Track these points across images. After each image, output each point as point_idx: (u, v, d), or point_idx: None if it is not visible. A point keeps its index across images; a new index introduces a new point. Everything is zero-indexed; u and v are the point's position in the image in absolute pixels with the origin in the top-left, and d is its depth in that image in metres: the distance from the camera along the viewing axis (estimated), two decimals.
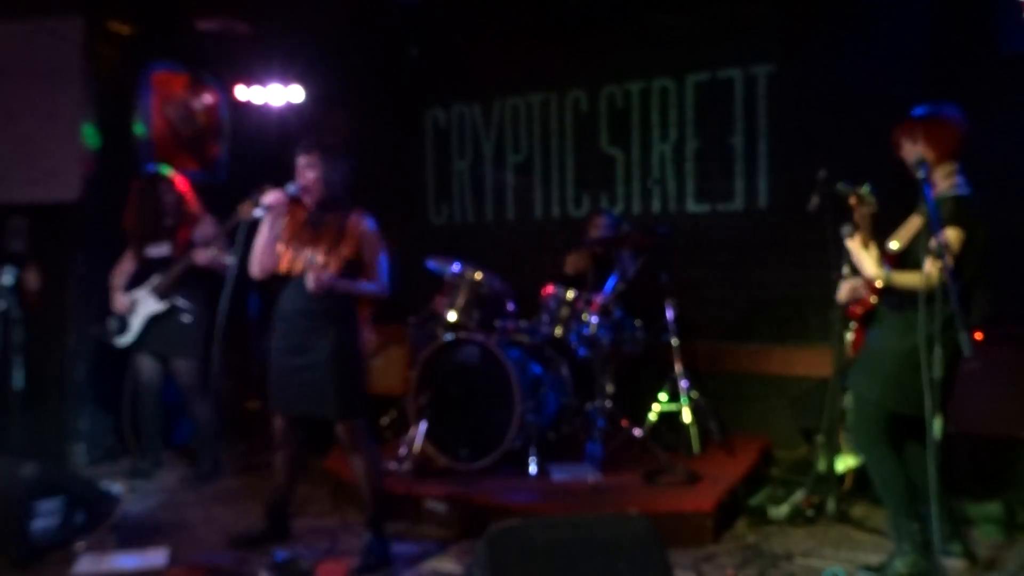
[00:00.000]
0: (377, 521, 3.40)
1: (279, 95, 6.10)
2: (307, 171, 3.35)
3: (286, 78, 6.08)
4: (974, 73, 4.44)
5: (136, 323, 4.58)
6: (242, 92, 6.11)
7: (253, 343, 5.79)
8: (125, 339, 4.61)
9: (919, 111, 3.14)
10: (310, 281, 3.24)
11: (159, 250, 4.63)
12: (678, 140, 5.41)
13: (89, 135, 5.32)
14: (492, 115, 6.03)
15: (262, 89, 6.09)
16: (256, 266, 3.45)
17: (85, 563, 3.31)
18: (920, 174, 2.89)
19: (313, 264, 3.30)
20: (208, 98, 6.16)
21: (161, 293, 4.52)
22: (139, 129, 5.65)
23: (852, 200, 3.11)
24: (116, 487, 3.82)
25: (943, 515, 3.12)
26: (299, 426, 3.52)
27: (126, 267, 4.72)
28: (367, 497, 3.41)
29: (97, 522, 3.55)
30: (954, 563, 3.17)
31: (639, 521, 2.22)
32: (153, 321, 4.55)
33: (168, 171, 4.79)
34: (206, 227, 4.61)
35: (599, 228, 4.86)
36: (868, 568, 3.16)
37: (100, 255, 5.21)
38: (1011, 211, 4.20)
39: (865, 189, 3.09)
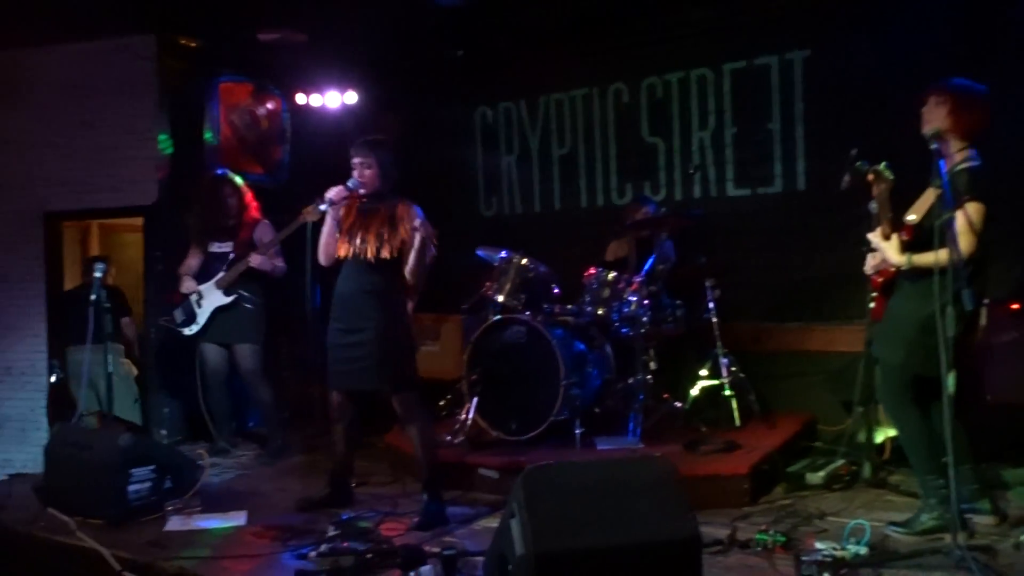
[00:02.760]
0: (433, 485, 3.69)
1: (335, 100, 6.49)
2: (364, 169, 3.68)
3: (342, 84, 6.45)
4: (1007, 54, 4.50)
5: (203, 315, 4.95)
6: (301, 98, 6.52)
7: (314, 333, 6.16)
8: (192, 330, 4.98)
9: (957, 81, 3.26)
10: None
11: (222, 247, 5.00)
12: (717, 127, 5.58)
13: (163, 143, 5.77)
14: (537, 111, 6.28)
15: (319, 95, 6.48)
16: (322, 255, 3.80)
17: (174, 522, 3.69)
18: (933, 146, 3.04)
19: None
20: (270, 105, 6.56)
21: (225, 288, 4.89)
22: (208, 136, 6.07)
23: (870, 177, 3.26)
24: (200, 457, 4.19)
25: (970, 475, 3.27)
26: (353, 401, 3.84)
27: (192, 262, 5.08)
28: (423, 464, 3.71)
29: (183, 488, 3.93)
30: (983, 519, 3.28)
31: (661, 463, 2.44)
32: (217, 311, 4.91)
33: (234, 176, 5.14)
34: (265, 231, 4.97)
35: (637, 214, 5.07)
36: (895, 523, 3.30)
37: (174, 254, 5.64)
38: None
39: (882, 165, 3.24)
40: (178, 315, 5.02)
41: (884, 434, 4.29)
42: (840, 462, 4.13)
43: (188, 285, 4.99)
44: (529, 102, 6.30)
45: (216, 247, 5.01)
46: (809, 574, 2.83)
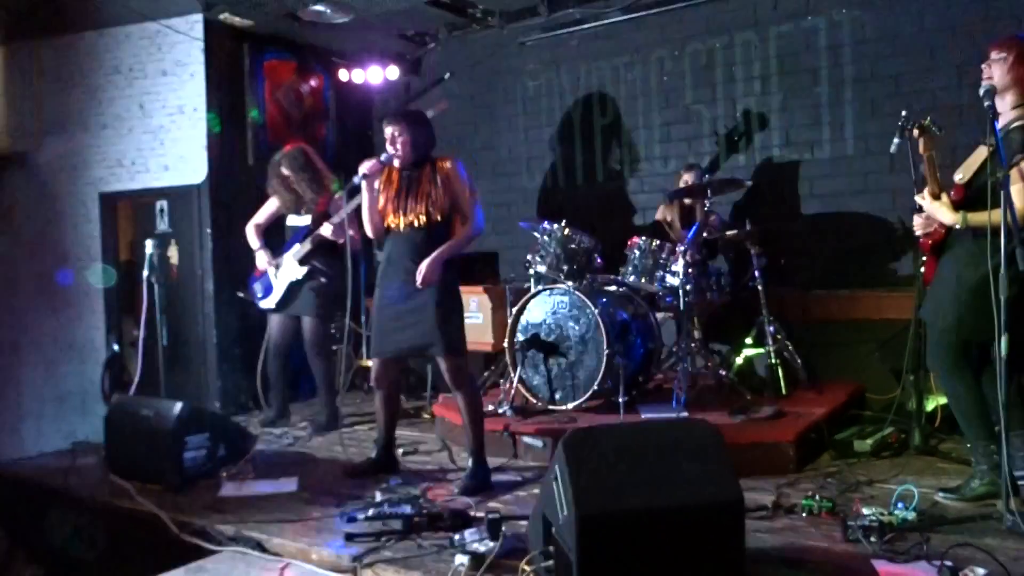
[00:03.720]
0: (479, 450, 3.74)
1: (378, 75, 6.53)
2: (397, 139, 3.70)
3: (384, 58, 6.49)
4: None
5: (280, 287, 5.01)
6: (344, 75, 6.58)
7: (364, 308, 6.27)
8: (269, 302, 5.06)
9: (1021, 35, 3.16)
10: (421, 279, 3.60)
11: (300, 221, 5.06)
12: (762, 92, 5.48)
13: (211, 122, 5.89)
14: (579, 80, 6.24)
15: (362, 70, 6.53)
16: (370, 228, 3.84)
17: (229, 488, 3.81)
18: (987, 103, 2.95)
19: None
20: (314, 82, 6.63)
21: (302, 260, 4.96)
22: (254, 114, 6.18)
23: (916, 132, 3.18)
24: (252, 427, 4.32)
25: (1021, 442, 3.20)
26: (396, 369, 3.90)
27: (263, 216, 5.10)
28: (469, 429, 3.76)
29: (237, 456, 4.06)
30: None
31: (703, 427, 2.45)
32: (292, 284, 4.97)
33: (303, 147, 5.16)
34: (337, 201, 5.04)
35: (685, 181, 5.03)
36: (945, 490, 3.26)
37: (227, 229, 5.80)
38: None
39: (928, 120, 3.16)
40: (258, 288, 5.10)
41: (935, 401, 4.22)
42: (889, 430, 4.07)
43: (263, 259, 5.04)
44: (571, 72, 6.26)
45: (295, 220, 5.09)
46: (855, 538, 2.82)
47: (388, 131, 3.73)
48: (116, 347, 6.06)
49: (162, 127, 5.98)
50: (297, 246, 4.97)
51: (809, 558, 2.74)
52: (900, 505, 2.98)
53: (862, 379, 4.96)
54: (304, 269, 4.93)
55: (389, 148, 3.73)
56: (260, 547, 3.15)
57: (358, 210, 4.86)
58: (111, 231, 6.19)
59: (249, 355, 5.59)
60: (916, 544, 2.74)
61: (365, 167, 3.73)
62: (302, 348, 5.10)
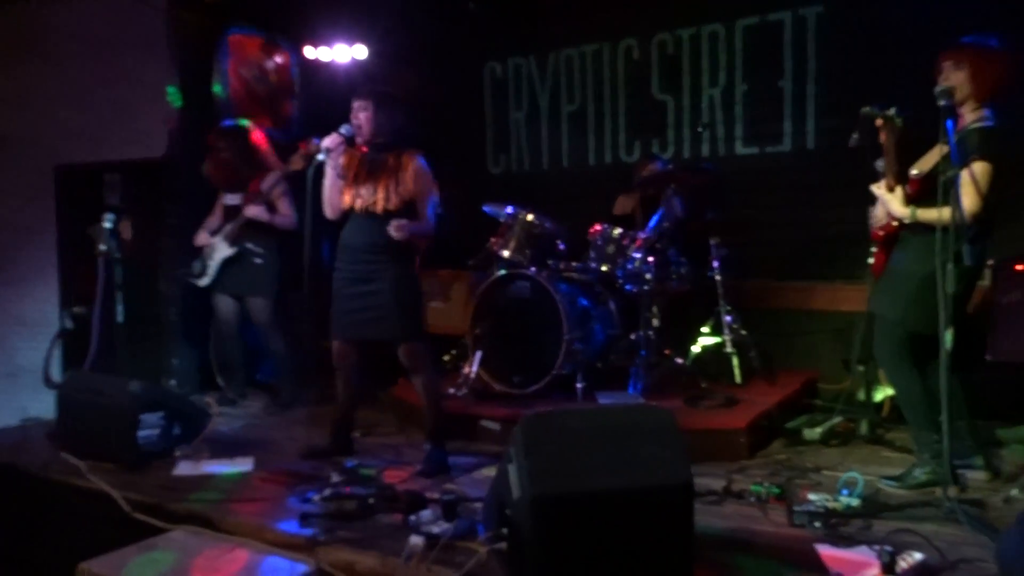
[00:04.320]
0: (437, 434, 3.76)
1: (345, 54, 6.46)
2: (359, 112, 3.66)
3: (351, 37, 6.42)
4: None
5: (213, 266, 5.01)
6: (310, 52, 6.50)
7: (323, 286, 6.23)
8: (204, 280, 5.06)
9: (971, 38, 3.21)
10: (393, 230, 3.56)
11: (233, 199, 5.03)
12: (727, 84, 5.54)
13: (172, 96, 5.78)
14: (547, 67, 6.24)
15: (328, 48, 6.46)
16: (328, 207, 3.80)
17: (183, 467, 3.78)
18: (941, 103, 3.02)
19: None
20: (279, 59, 6.54)
21: (230, 239, 4.93)
22: (218, 90, 6.07)
23: (879, 122, 3.25)
24: (208, 405, 4.29)
25: (965, 431, 3.31)
26: (357, 351, 3.87)
27: (213, 218, 5.14)
28: (428, 413, 3.78)
29: (192, 434, 4.02)
30: (976, 475, 3.33)
31: (659, 412, 2.49)
32: (227, 264, 4.96)
33: (244, 123, 5.16)
34: (270, 180, 4.98)
35: (646, 170, 5.07)
36: (888, 477, 3.35)
37: (186, 205, 5.71)
38: None
39: (892, 111, 3.22)
40: (195, 266, 5.10)
41: (883, 392, 4.33)
42: (838, 419, 4.17)
43: (201, 238, 5.08)
44: (539, 58, 6.26)
45: (229, 199, 5.05)
46: (801, 523, 2.90)
47: (354, 104, 3.69)
48: (69, 323, 5.96)
49: (123, 100, 5.85)
50: (228, 225, 4.92)
51: (755, 541, 2.82)
52: (845, 491, 3.07)
53: (815, 368, 5.07)
54: (234, 249, 4.89)
55: (352, 121, 3.68)
56: (213, 526, 3.14)
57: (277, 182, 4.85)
58: (67, 204, 6.07)
59: (207, 334, 5.53)
60: (859, 529, 2.83)
61: (327, 141, 3.68)
62: (253, 327, 5.09)
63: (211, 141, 5.09)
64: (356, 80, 6.53)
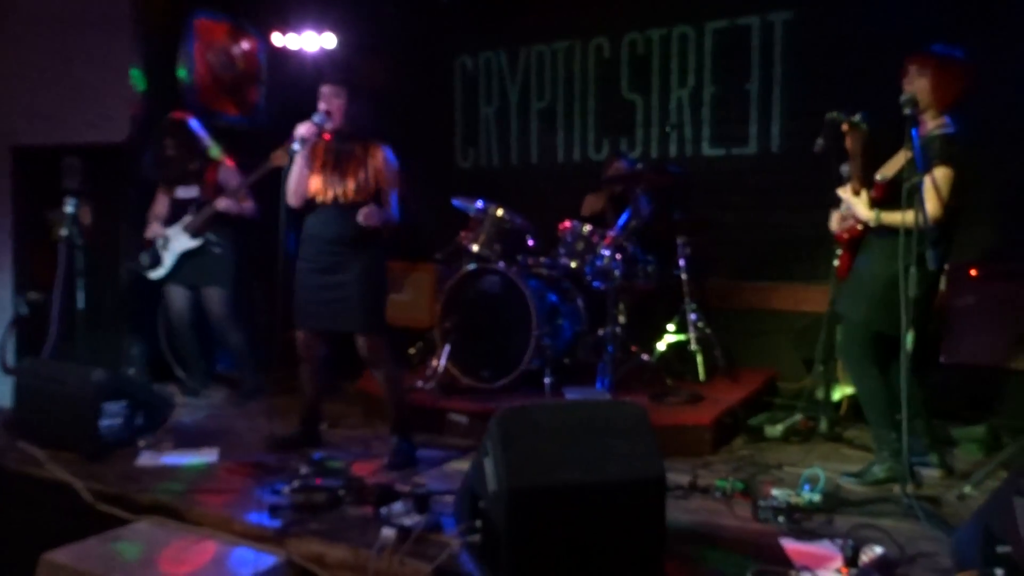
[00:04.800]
0: (402, 427, 3.76)
1: (313, 42, 6.39)
2: (332, 99, 3.62)
3: (320, 25, 6.35)
4: (988, 18, 4.57)
5: (169, 258, 4.91)
6: (278, 39, 6.41)
7: (290, 279, 6.17)
8: (158, 273, 4.95)
9: (937, 49, 3.30)
10: (362, 217, 3.54)
11: (188, 192, 4.95)
12: (696, 86, 5.61)
13: (136, 79, 5.66)
14: (518, 62, 6.25)
15: (297, 36, 6.38)
16: (292, 196, 3.73)
17: (146, 457, 3.72)
18: (907, 111, 3.11)
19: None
20: (246, 45, 6.44)
21: (193, 232, 4.85)
22: (183, 74, 5.96)
23: (844, 127, 3.33)
24: (172, 395, 4.22)
25: (922, 430, 3.42)
26: (323, 341, 3.86)
27: (159, 209, 5.04)
28: (391, 406, 3.77)
29: (155, 424, 3.96)
30: (931, 472, 3.45)
31: (632, 407, 2.53)
32: (185, 255, 4.87)
33: (182, 117, 5.04)
34: (229, 174, 4.92)
35: (615, 170, 5.12)
36: (849, 474, 3.45)
37: (149, 192, 5.59)
38: (1011, 156, 4.40)
39: (858, 117, 3.30)
40: (144, 259, 4.99)
41: (842, 391, 4.44)
42: (798, 417, 4.27)
43: (154, 229, 4.97)
44: (510, 53, 6.27)
45: (182, 192, 4.97)
46: (765, 518, 2.97)
47: (326, 90, 3.64)
48: (24, 309, 5.80)
49: (85, 81, 5.70)
50: (188, 217, 4.85)
51: (721, 535, 2.88)
52: (807, 487, 3.15)
53: (775, 366, 5.18)
54: (196, 241, 4.82)
55: (321, 107, 3.63)
56: (179, 517, 3.11)
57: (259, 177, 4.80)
58: (23, 187, 5.90)
59: (167, 323, 5.44)
60: (821, 524, 2.91)
61: (302, 130, 3.63)
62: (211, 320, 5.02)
63: (156, 134, 4.98)
64: (325, 68, 6.48)
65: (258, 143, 5.31)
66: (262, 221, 5.05)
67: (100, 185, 5.78)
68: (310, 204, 3.75)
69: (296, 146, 3.65)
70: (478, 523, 2.51)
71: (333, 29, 6.38)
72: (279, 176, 3.80)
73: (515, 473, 2.28)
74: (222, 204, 4.77)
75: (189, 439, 4.04)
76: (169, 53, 5.86)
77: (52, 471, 3.49)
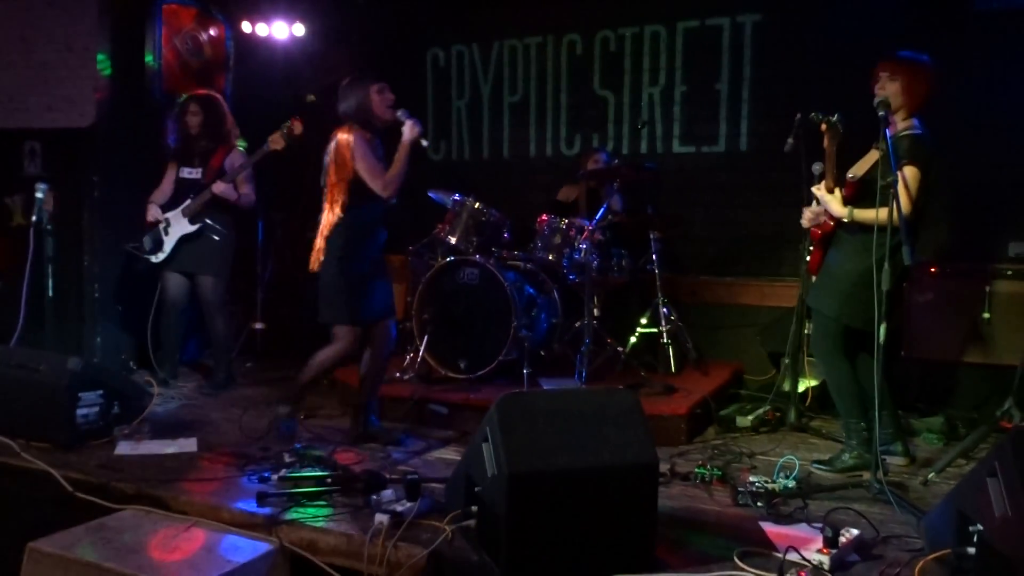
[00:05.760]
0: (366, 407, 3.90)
1: (283, 31, 6.33)
2: (390, 94, 3.78)
3: (290, 14, 6.30)
4: (949, 26, 4.76)
5: (169, 243, 4.83)
6: (247, 27, 6.34)
7: (260, 270, 6.13)
8: (159, 257, 4.87)
9: (907, 54, 3.44)
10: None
11: (192, 173, 4.88)
12: (667, 84, 5.72)
13: (102, 64, 5.55)
14: (490, 56, 6.29)
15: (266, 24, 6.32)
16: (395, 188, 3.80)
17: (124, 447, 3.68)
18: (881, 112, 3.25)
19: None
20: (213, 31, 6.35)
21: (191, 216, 4.79)
22: (149, 59, 5.86)
23: (823, 127, 3.45)
24: (149, 385, 4.17)
25: (888, 420, 3.57)
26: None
27: (164, 188, 4.96)
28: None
29: (132, 414, 3.90)
30: (895, 460, 3.60)
31: (625, 395, 2.61)
32: (183, 240, 4.81)
33: (202, 92, 5.00)
34: (236, 158, 4.86)
35: (594, 163, 5.21)
36: (819, 462, 3.59)
37: (114, 178, 5.50)
38: (969, 160, 4.60)
39: (835, 118, 3.43)
40: (147, 242, 4.89)
41: (807, 383, 4.60)
42: (767, 408, 4.41)
43: (154, 213, 4.86)
44: (482, 47, 6.30)
45: (186, 172, 4.89)
46: (744, 503, 3.08)
47: (384, 86, 3.81)
48: None
49: (47, 64, 5.57)
50: (189, 201, 4.80)
51: (704, 519, 2.98)
52: (782, 474, 3.27)
53: (742, 360, 5.33)
54: (195, 226, 4.77)
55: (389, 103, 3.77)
56: (164, 506, 3.08)
57: (254, 167, 4.79)
58: None
59: (133, 311, 5.35)
60: (797, 508, 3.03)
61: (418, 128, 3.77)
62: (192, 306, 4.96)
63: (184, 106, 4.90)
64: (296, 62, 6.44)
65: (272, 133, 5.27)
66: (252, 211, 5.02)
67: (62, 171, 5.66)
68: (375, 197, 3.75)
69: (425, 143, 3.81)
70: (474, 508, 2.56)
71: (302, 19, 6.34)
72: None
73: (514, 458, 2.33)
74: (219, 188, 4.69)
75: (165, 429, 4.00)
76: (135, 38, 5.75)
77: (28, 460, 3.42)
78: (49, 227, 4.40)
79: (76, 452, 3.59)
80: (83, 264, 5.56)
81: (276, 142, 4.51)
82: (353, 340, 3.81)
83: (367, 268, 3.79)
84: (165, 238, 4.82)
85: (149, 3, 5.81)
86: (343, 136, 3.70)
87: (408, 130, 3.75)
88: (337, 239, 3.73)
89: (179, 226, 4.79)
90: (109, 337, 5.54)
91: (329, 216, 3.74)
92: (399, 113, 3.80)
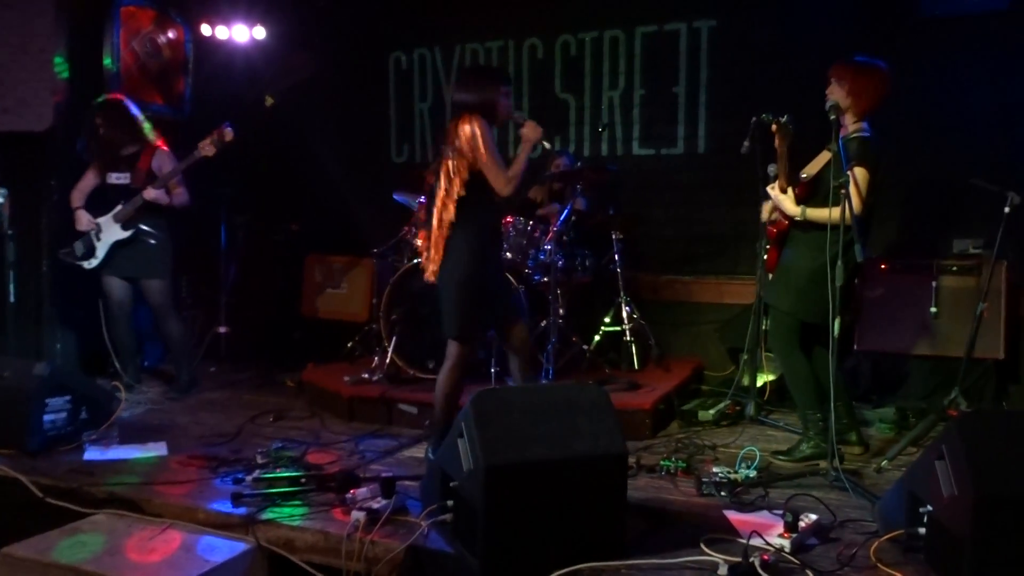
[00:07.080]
0: None
1: (243, 34, 6.31)
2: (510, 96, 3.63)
3: (250, 17, 6.29)
4: (896, 32, 4.96)
5: (101, 249, 4.78)
6: (206, 29, 6.31)
7: (223, 273, 6.10)
8: (91, 264, 4.81)
9: (859, 58, 3.58)
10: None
11: (120, 178, 4.81)
12: (626, 88, 5.85)
13: (59, 66, 5.48)
14: (452, 60, 6.35)
15: (226, 27, 6.29)
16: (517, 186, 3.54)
17: (94, 452, 3.67)
18: (832, 116, 3.40)
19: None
20: (172, 34, 6.31)
21: (123, 222, 4.74)
22: (108, 62, 5.81)
23: (774, 127, 3.58)
24: (116, 390, 4.16)
25: (843, 411, 3.72)
26: None
27: (83, 186, 4.87)
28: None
29: (100, 419, 3.89)
30: (851, 449, 3.75)
31: (594, 389, 2.70)
32: (118, 245, 4.75)
33: (119, 98, 4.92)
34: (164, 161, 4.79)
35: (558, 165, 5.31)
36: (778, 452, 3.73)
37: (71, 183, 5.42)
38: (916, 161, 4.80)
39: (785, 119, 3.56)
40: (78, 248, 4.83)
41: (764, 378, 4.76)
42: (727, 402, 4.54)
43: (83, 221, 4.79)
44: (444, 50, 6.36)
45: (114, 178, 4.83)
46: (708, 493, 3.19)
47: (508, 89, 3.65)
48: None
49: (2, 66, 5.46)
50: (119, 207, 4.75)
51: (670, 509, 3.09)
52: (744, 464, 3.40)
53: (701, 356, 5.47)
54: (128, 232, 4.73)
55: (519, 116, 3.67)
56: (138, 509, 3.09)
57: (187, 168, 4.74)
58: None
59: (91, 317, 5.29)
60: (759, 496, 3.16)
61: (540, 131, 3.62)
62: (147, 311, 4.94)
63: (89, 117, 4.84)
64: (256, 65, 6.42)
65: (182, 133, 5.23)
66: (192, 212, 4.98)
67: (20, 175, 5.57)
68: (491, 199, 3.52)
69: (547, 144, 3.69)
70: (449, 503, 2.63)
71: (263, 22, 6.33)
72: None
73: (490, 451, 2.41)
74: (150, 194, 4.63)
75: (134, 434, 3.99)
76: (93, 40, 5.69)
77: None
78: (10, 232, 4.33)
79: (44, 458, 3.57)
80: (42, 269, 5.49)
81: (206, 148, 4.50)
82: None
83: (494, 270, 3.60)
84: (97, 243, 4.76)
85: (107, 5, 5.76)
86: (468, 127, 3.44)
87: (531, 130, 3.58)
88: (465, 239, 3.42)
89: (111, 232, 4.73)
90: (69, 342, 5.48)
91: (443, 215, 3.45)
92: (516, 114, 3.68)
